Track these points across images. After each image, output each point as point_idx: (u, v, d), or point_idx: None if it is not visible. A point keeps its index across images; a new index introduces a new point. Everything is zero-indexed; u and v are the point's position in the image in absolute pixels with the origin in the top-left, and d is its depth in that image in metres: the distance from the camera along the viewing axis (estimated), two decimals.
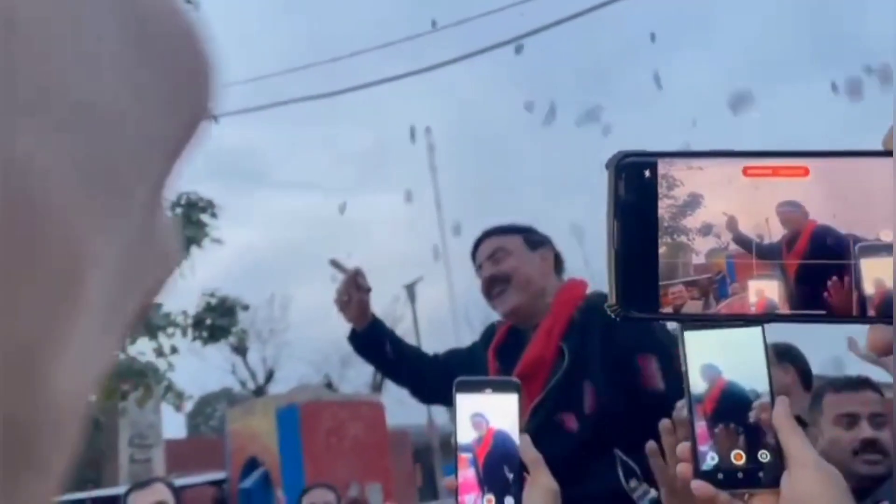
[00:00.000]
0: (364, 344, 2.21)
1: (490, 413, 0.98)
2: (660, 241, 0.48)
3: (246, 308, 10.14)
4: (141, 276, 0.19)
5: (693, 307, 0.49)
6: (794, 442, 0.63)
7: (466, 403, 1.00)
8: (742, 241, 0.49)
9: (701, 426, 0.66)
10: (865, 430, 1.93)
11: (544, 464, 0.95)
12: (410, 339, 2.18)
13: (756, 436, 0.64)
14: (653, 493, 1.22)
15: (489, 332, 2.17)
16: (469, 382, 1.03)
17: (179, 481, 8.21)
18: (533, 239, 2.03)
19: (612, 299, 0.49)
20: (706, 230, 0.49)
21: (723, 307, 0.49)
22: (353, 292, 2.11)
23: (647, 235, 0.48)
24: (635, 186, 0.49)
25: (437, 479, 13.34)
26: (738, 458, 0.64)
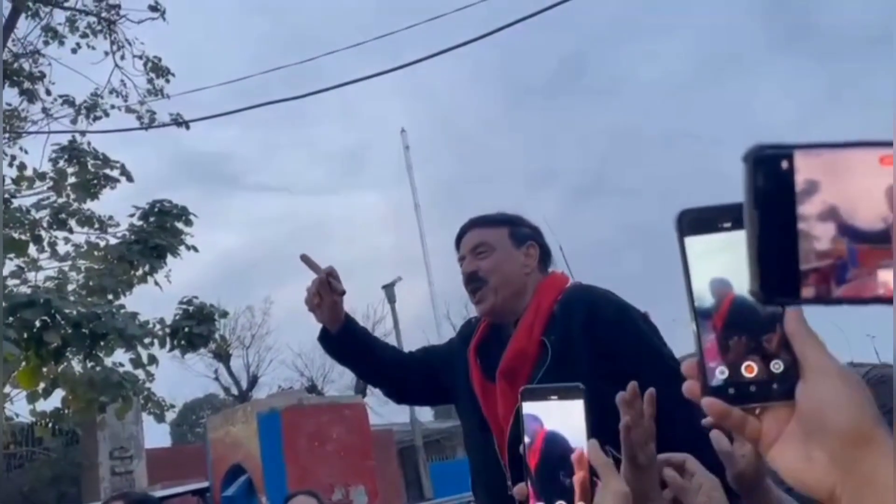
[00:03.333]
0: (336, 346, 2.13)
1: (546, 416, 0.97)
2: (798, 228, 0.53)
3: (225, 315, 10.01)
4: None
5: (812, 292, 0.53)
6: (810, 349, 0.58)
7: (530, 411, 0.99)
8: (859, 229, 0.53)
9: (709, 341, 0.63)
10: None
11: (614, 468, 0.94)
12: (391, 339, 2.08)
13: (768, 347, 0.61)
14: None
15: (466, 327, 2.11)
16: (534, 390, 1.01)
17: (162, 492, 8.13)
18: (519, 233, 1.97)
19: (754, 286, 0.54)
20: (824, 216, 0.53)
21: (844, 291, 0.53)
22: (326, 293, 2.01)
23: (785, 223, 0.53)
24: (773, 177, 0.53)
25: (421, 478, 13.30)
26: (750, 370, 0.61)
